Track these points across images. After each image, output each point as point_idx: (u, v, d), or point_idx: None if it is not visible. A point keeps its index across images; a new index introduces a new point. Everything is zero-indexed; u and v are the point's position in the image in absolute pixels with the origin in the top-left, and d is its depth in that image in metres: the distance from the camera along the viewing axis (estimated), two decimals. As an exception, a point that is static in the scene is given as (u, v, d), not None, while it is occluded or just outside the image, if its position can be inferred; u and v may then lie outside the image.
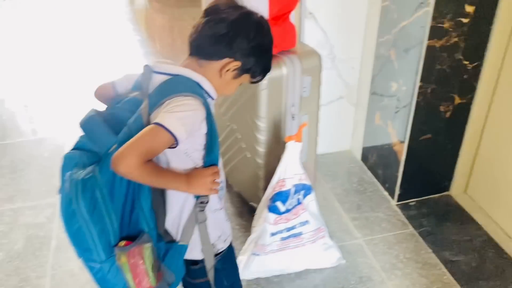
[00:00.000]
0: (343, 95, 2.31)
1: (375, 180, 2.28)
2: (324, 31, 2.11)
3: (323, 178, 2.30)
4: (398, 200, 2.13)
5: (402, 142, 2.00)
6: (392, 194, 2.15)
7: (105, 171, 0.95)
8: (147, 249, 1.00)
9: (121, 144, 0.92)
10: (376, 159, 2.26)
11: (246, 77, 1.10)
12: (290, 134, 1.77)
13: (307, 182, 1.68)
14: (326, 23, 2.09)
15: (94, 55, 3.72)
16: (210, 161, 1.04)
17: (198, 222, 1.07)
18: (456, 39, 1.76)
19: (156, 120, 0.92)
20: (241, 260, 1.73)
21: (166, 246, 1.07)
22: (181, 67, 1.04)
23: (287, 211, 1.66)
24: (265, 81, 1.63)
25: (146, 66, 1.03)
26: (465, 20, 1.73)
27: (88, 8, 4.86)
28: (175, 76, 1.01)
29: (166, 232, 1.08)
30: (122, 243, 1.00)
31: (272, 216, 1.65)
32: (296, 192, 1.66)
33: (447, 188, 2.17)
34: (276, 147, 1.80)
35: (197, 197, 1.06)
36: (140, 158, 0.91)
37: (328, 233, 1.81)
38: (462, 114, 1.96)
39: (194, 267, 1.15)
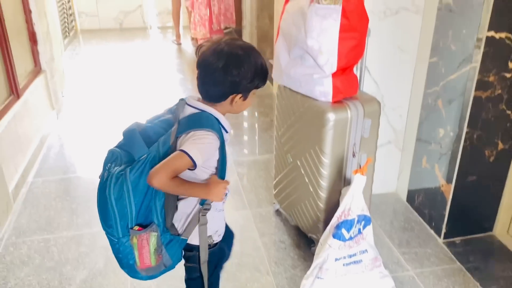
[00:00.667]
0: (391, 140, 2.53)
1: (421, 219, 2.45)
2: (376, 82, 2.37)
3: (372, 216, 2.47)
4: (444, 238, 2.29)
5: (449, 183, 2.19)
6: (438, 232, 2.31)
7: (133, 173, 1.25)
8: (153, 236, 1.32)
9: (150, 156, 1.25)
10: (423, 199, 2.44)
11: (254, 92, 1.36)
12: (351, 171, 2.00)
13: (367, 213, 1.87)
14: (378, 76, 2.35)
15: (147, 96, 4.06)
16: (220, 176, 1.35)
17: (199, 224, 1.37)
18: (500, 91, 1.99)
19: (183, 148, 1.23)
20: (305, 284, 1.89)
21: (170, 237, 1.36)
22: (205, 104, 1.34)
23: (350, 238, 1.85)
24: (331, 122, 1.88)
25: (181, 99, 1.37)
26: (508, 75, 1.97)
27: (144, 57, 5.30)
28: (202, 111, 1.32)
29: (173, 226, 1.37)
30: (136, 227, 1.31)
31: (337, 243, 1.83)
32: (358, 221, 1.85)
33: (490, 228, 2.32)
34: (337, 182, 2.01)
35: (202, 203, 1.34)
36: (169, 175, 1.22)
37: (383, 263, 1.98)
38: (505, 159, 2.15)
39: (189, 254, 1.46)
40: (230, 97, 1.32)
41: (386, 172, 2.61)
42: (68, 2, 6.09)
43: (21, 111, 2.88)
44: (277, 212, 2.52)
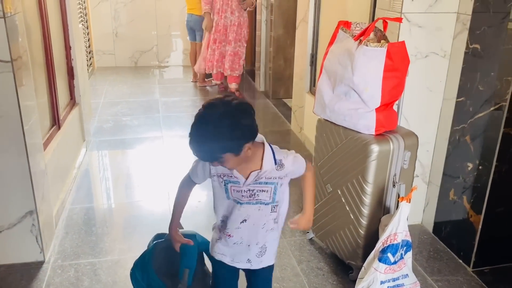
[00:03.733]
0: (418, 173, 2.69)
1: (448, 249, 2.57)
2: (406, 118, 2.55)
3: (402, 246, 2.59)
4: (474, 267, 2.41)
5: (479, 214, 2.33)
6: (467, 261, 2.43)
7: None
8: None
9: None
10: (450, 230, 2.57)
11: None
12: (391, 200, 2.14)
13: (409, 239, 2.00)
14: (408, 113, 2.54)
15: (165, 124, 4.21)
16: None
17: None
18: (526, 128, 2.18)
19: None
20: (350, 307, 1.99)
21: None
22: None
23: (395, 262, 1.96)
24: (375, 153, 2.04)
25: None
26: (534, 113, 2.16)
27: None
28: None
29: None
30: None
31: (383, 266, 1.95)
32: (401, 246, 1.97)
33: (518, 258, 2.45)
34: (378, 210, 2.15)
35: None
36: None
37: (421, 289, 2.09)
38: (530, 191, 2.31)
39: None
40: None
41: (412, 204, 2.74)
42: (88, 40, 6.34)
43: (62, 141, 3.01)
44: (311, 241, 2.63)
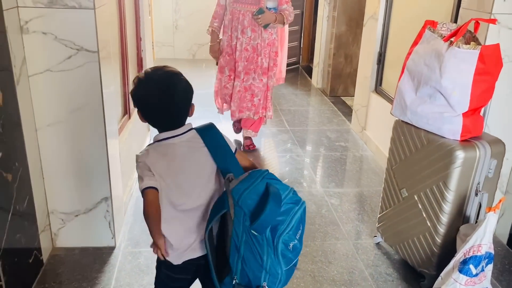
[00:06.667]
0: (495, 182, 2.56)
1: (525, 264, 2.45)
2: (487, 124, 2.43)
3: (475, 257, 2.48)
4: (555, 285, 2.28)
5: None
6: (547, 278, 2.30)
7: None
8: None
9: None
10: (529, 244, 2.44)
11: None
12: (471, 209, 2.05)
13: (492, 251, 1.91)
14: (490, 118, 2.42)
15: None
16: None
17: None
18: None
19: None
20: (425, 317, 1.93)
21: None
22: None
23: (476, 275, 1.88)
24: (460, 159, 1.95)
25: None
26: None
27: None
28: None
29: None
30: None
31: (464, 278, 1.87)
32: (484, 258, 1.88)
33: None
34: (457, 219, 2.06)
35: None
36: None
37: (500, 304, 1.99)
38: None
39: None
40: None
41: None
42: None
43: (132, 130, 3.08)
44: (378, 245, 2.57)
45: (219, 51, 3.57)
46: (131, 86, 1.48)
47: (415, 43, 2.14)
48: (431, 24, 2.09)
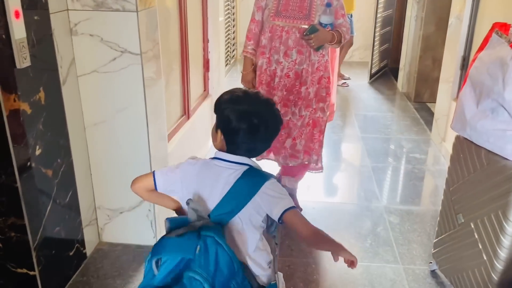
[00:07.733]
0: None
1: None
2: None
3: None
4: None
5: None
6: None
7: None
8: None
9: None
10: None
11: None
12: (539, 245, 1.72)
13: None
14: None
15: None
16: None
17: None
18: None
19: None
20: None
21: None
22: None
23: (534, 326, 1.58)
24: (524, 188, 1.65)
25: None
26: None
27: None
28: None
29: None
30: None
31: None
32: (546, 308, 1.57)
33: None
34: (520, 255, 1.75)
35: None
36: None
37: None
38: None
39: None
40: None
41: None
42: (233, 32, 6.55)
43: (189, 131, 3.11)
44: (433, 273, 2.30)
45: (253, 80, 2.71)
46: (226, 95, 1.40)
47: (481, 48, 1.86)
48: (500, 27, 1.79)
